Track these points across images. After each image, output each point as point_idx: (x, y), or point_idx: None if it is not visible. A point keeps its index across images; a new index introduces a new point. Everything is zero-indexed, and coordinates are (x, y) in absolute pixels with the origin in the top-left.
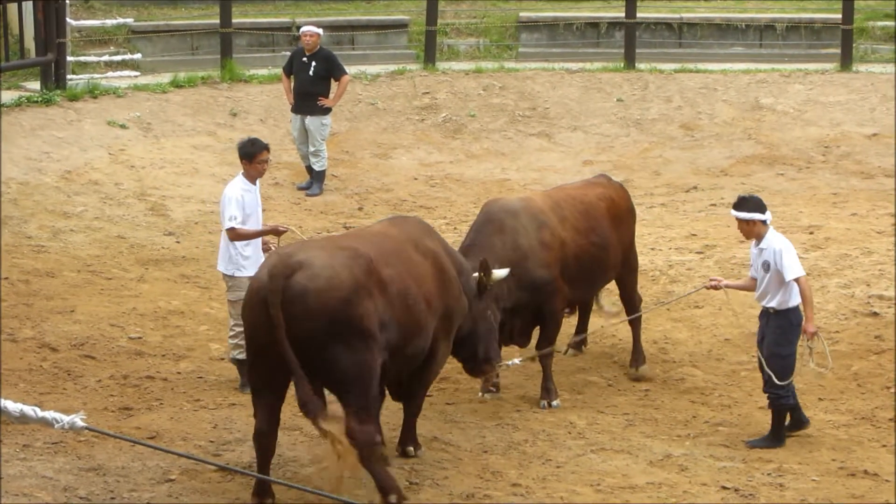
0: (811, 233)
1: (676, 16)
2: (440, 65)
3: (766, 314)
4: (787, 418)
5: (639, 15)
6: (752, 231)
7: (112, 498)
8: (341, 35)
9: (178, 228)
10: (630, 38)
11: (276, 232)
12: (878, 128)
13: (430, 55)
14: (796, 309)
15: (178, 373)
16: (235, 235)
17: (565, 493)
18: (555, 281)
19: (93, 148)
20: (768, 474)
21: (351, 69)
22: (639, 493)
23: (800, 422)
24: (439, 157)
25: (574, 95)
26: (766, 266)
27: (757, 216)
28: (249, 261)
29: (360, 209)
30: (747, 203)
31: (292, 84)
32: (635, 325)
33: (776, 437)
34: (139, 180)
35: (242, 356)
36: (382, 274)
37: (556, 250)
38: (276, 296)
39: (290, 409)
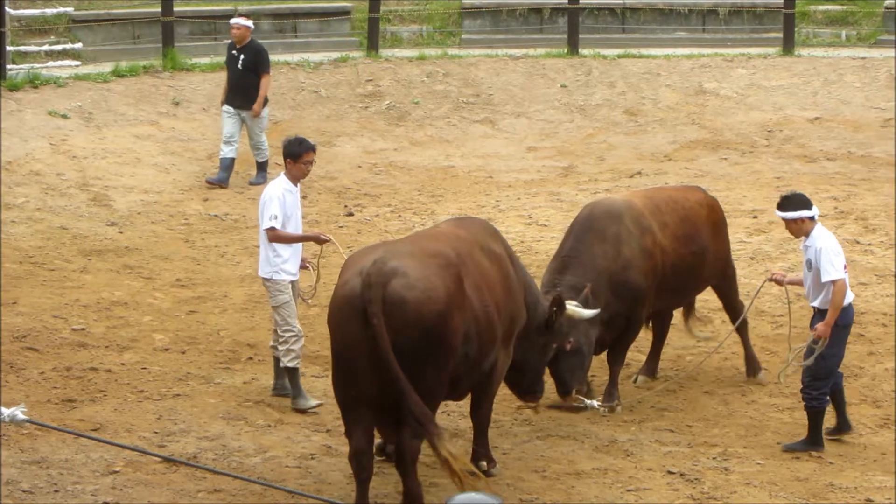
0: (755, 217)
1: (619, 1)
2: (383, 52)
3: (814, 315)
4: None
5: (582, 1)
6: (801, 229)
7: (55, 491)
8: (284, 23)
9: (121, 219)
10: (573, 24)
11: (318, 240)
12: (821, 112)
13: (373, 42)
14: (844, 309)
15: (122, 364)
16: (275, 236)
17: (511, 480)
18: (648, 291)
19: (34, 138)
20: (713, 458)
21: (294, 57)
22: (585, 479)
23: (841, 427)
24: (383, 144)
25: (518, 82)
26: (809, 264)
27: (803, 213)
28: (288, 263)
29: (303, 197)
30: (791, 201)
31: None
32: (743, 333)
33: (814, 440)
34: (81, 171)
35: (294, 364)
36: (467, 284)
37: (657, 258)
38: (377, 305)
39: (234, 400)
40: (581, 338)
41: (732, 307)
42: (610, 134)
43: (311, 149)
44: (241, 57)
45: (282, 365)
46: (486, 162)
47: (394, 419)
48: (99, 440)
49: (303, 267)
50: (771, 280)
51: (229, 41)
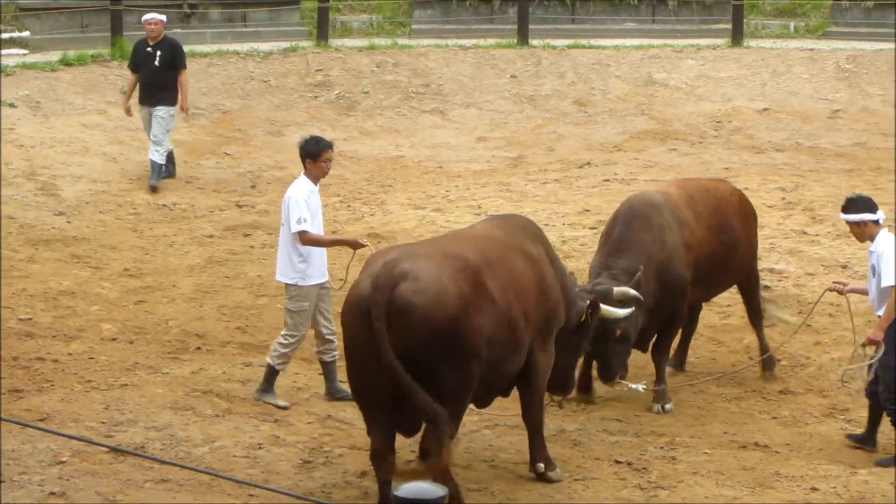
0: None
1: None
2: (333, 42)
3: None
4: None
5: None
6: (864, 233)
7: (1, 481)
8: (233, 12)
9: (69, 208)
10: (523, 15)
11: (354, 245)
12: (769, 103)
13: (322, 32)
14: None
15: (69, 354)
16: (307, 239)
17: (459, 470)
18: (688, 282)
19: None
20: (661, 448)
21: (243, 46)
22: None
23: (869, 438)
24: (333, 134)
25: (468, 72)
26: (873, 270)
27: (867, 216)
28: (313, 267)
29: (252, 187)
30: (855, 204)
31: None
32: (759, 328)
33: None
34: (28, 160)
35: (281, 368)
36: (490, 287)
37: (695, 250)
38: (381, 309)
39: (182, 390)
40: (629, 325)
41: (755, 307)
42: (559, 124)
43: (329, 146)
44: (158, 53)
45: (268, 361)
46: (436, 152)
47: (410, 423)
48: (46, 430)
49: (360, 245)
50: (832, 290)
51: (135, 42)
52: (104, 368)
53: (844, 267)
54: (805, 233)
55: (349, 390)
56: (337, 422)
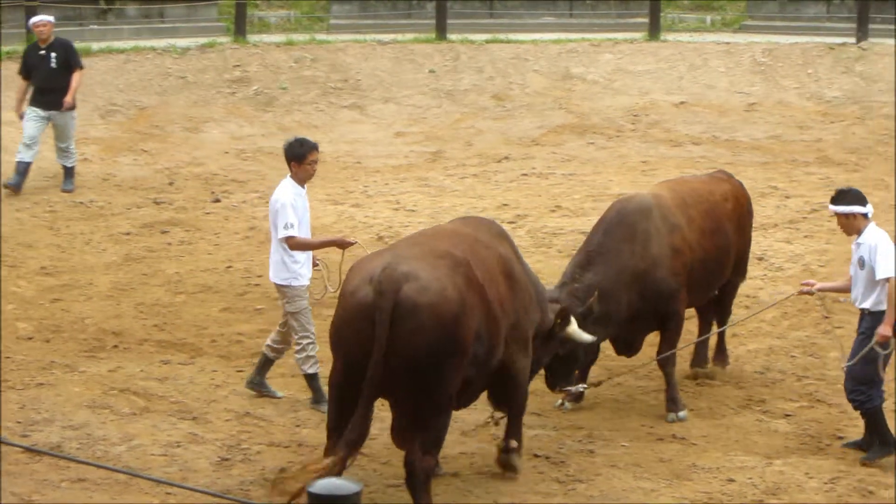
0: None
1: None
2: (251, 37)
3: (861, 317)
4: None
5: None
6: (853, 226)
7: None
8: (150, 8)
9: None
10: (441, 9)
11: (342, 244)
12: (686, 96)
13: (240, 28)
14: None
15: None
16: (295, 244)
17: (378, 466)
18: (681, 287)
19: None
20: (579, 441)
21: (160, 42)
22: (451, 464)
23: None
24: (251, 130)
25: (386, 67)
26: (861, 262)
27: (857, 209)
28: (304, 267)
29: (170, 184)
30: (846, 196)
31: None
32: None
33: (883, 441)
34: None
35: (314, 370)
36: (478, 283)
37: (686, 255)
38: (386, 314)
39: (99, 389)
40: (578, 346)
41: (726, 305)
42: (478, 119)
43: (314, 148)
44: (53, 55)
45: (302, 372)
46: (355, 147)
47: (407, 430)
48: None
49: (314, 266)
50: (802, 293)
51: (25, 48)
52: (20, 368)
53: (760, 259)
54: None
55: (272, 390)
56: (255, 419)
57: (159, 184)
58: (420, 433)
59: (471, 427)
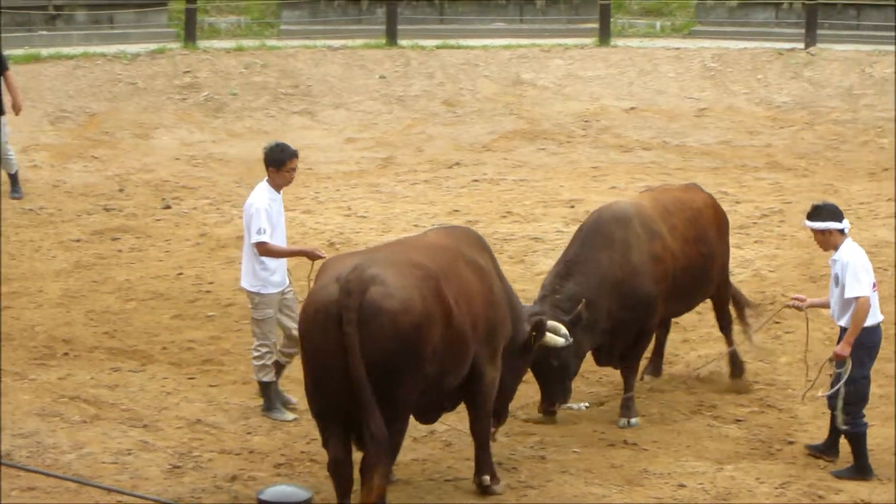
0: (572, 206)
1: None
2: (201, 43)
3: (840, 335)
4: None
5: None
6: (829, 241)
7: None
8: (99, 14)
9: None
10: (392, 15)
11: (311, 256)
12: (636, 101)
13: (190, 33)
14: (870, 329)
15: None
16: (266, 251)
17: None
18: (659, 297)
19: None
20: (531, 447)
21: (110, 48)
22: (403, 470)
23: (830, 448)
24: (201, 136)
25: (336, 73)
26: (836, 280)
27: (833, 225)
28: (276, 275)
29: (120, 190)
30: (821, 212)
31: None
32: (729, 337)
33: (860, 467)
34: None
35: (269, 378)
36: (446, 298)
37: (668, 263)
38: (353, 313)
39: (49, 396)
40: (569, 352)
41: (725, 315)
42: (429, 125)
43: (294, 155)
44: None
45: (256, 378)
46: (305, 153)
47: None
48: None
49: (319, 256)
50: (789, 306)
51: None
52: None
53: None
54: None
55: (286, 396)
56: (206, 426)
57: (109, 190)
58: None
59: (423, 433)
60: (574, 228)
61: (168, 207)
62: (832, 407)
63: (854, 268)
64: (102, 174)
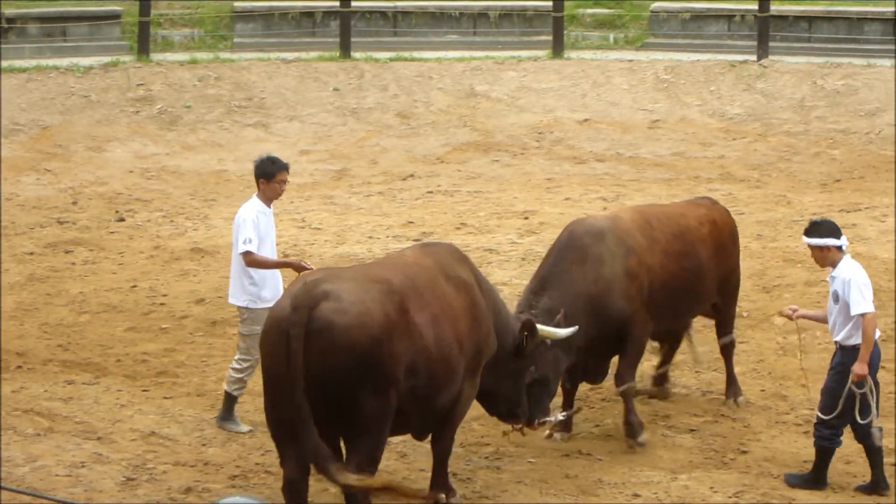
0: (526, 218)
1: (391, 4)
2: (154, 56)
3: (835, 351)
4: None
5: (353, 4)
6: (826, 258)
7: None
8: (52, 27)
9: None
10: (345, 27)
11: (298, 268)
12: (590, 113)
13: (143, 46)
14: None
15: None
16: (251, 261)
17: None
18: (637, 311)
19: None
20: (486, 458)
21: (63, 61)
22: None
23: (877, 484)
24: (155, 149)
25: (290, 85)
26: (836, 297)
27: (831, 242)
28: (265, 290)
29: (74, 203)
30: (819, 228)
31: None
32: (728, 354)
33: (816, 478)
34: None
35: (237, 393)
36: (416, 314)
37: (643, 278)
38: (300, 329)
39: (2, 409)
40: (547, 368)
41: (725, 326)
42: (383, 137)
43: (285, 168)
44: None
45: (225, 388)
46: None
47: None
48: None
49: (305, 268)
50: (782, 315)
51: None
52: None
53: None
54: None
55: None
56: (161, 438)
57: (63, 203)
58: (352, 453)
59: None
60: (528, 240)
61: (122, 220)
62: (864, 435)
63: (857, 285)
64: (56, 187)
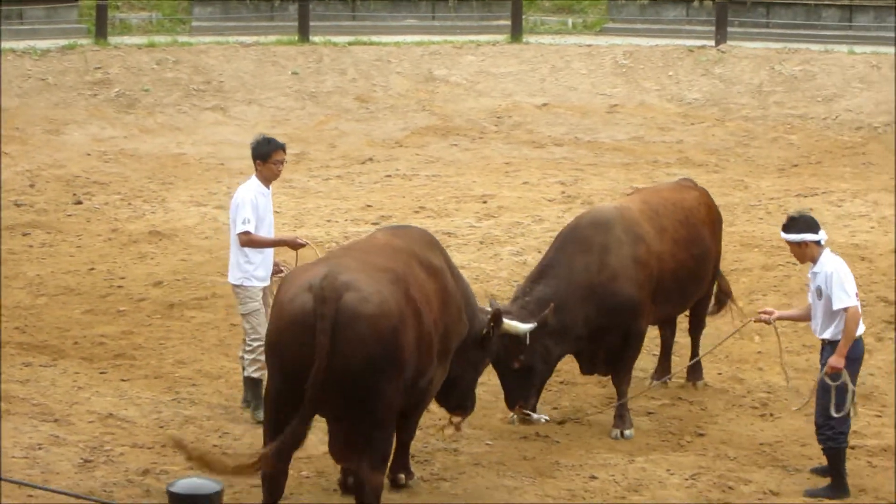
0: (484, 202)
1: None
2: (112, 39)
3: (822, 348)
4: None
5: None
6: (805, 254)
7: None
8: (9, 9)
9: None
10: (304, 11)
11: (294, 245)
12: (548, 98)
13: (101, 29)
14: (854, 342)
15: None
16: (248, 241)
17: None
18: (644, 301)
19: None
20: (444, 440)
21: (20, 44)
22: (315, 463)
23: (837, 489)
24: (113, 132)
25: (249, 69)
26: (819, 292)
27: (809, 237)
28: (259, 269)
29: (31, 186)
30: (797, 223)
31: None
32: (696, 337)
33: (837, 486)
34: None
35: (259, 374)
36: (416, 301)
37: (652, 267)
38: (328, 322)
39: None
40: (534, 356)
41: (701, 315)
42: (341, 121)
43: (281, 147)
44: None
45: (246, 374)
46: (218, 149)
47: (346, 445)
48: None
49: (277, 272)
50: (758, 321)
51: None
52: None
53: None
54: None
55: None
56: (118, 420)
57: (20, 186)
58: (366, 450)
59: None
60: (487, 224)
61: (79, 203)
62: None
63: (839, 278)
64: (13, 170)
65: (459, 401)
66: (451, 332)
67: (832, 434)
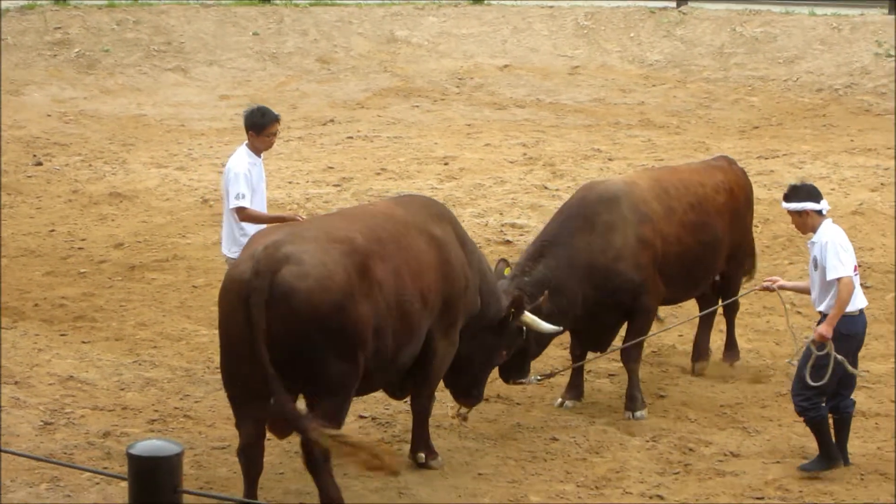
0: (446, 164)
1: None
2: None
3: (819, 322)
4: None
5: None
6: (806, 223)
7: None
8: None
9: None
10: None
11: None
12: (510, 59)
13: None
14: (847, 318)
15: None
16: (245, 216)
17: (204, 429)
18: (648, 280)
19: None
20: (405, 401)
21: None
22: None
23: (827, 459)
24: (73, 93)
25: (209, 30)
26: (815, 263)
27: (810, 206)
28: None
29: None
30: (798, 192)
31: None
32: (730, 319)
33: (826, 455)
34: None
35: None
36: (378, 272)
37: (657, 248)
38: (261, 295)
39: None
40: (529, 338)
41: (731, 290)
42: (303, 82)
43: (276, 119)
44: None
45: None
46: (179, 110)
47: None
48: None
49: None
50: (763, 289)
51: None
52: None
53: None
54: (546, 188)
55: None
56: (79, 383)
57: None
58: (313, 413)
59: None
60: (448, 186)
61: (39, 164)
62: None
63: (834, 248)
64: None
65: (468, 387)
66: (454, 305)
67: (809, 405)
